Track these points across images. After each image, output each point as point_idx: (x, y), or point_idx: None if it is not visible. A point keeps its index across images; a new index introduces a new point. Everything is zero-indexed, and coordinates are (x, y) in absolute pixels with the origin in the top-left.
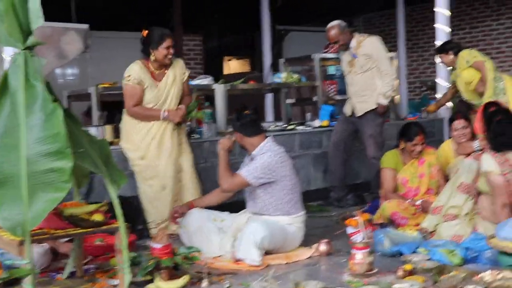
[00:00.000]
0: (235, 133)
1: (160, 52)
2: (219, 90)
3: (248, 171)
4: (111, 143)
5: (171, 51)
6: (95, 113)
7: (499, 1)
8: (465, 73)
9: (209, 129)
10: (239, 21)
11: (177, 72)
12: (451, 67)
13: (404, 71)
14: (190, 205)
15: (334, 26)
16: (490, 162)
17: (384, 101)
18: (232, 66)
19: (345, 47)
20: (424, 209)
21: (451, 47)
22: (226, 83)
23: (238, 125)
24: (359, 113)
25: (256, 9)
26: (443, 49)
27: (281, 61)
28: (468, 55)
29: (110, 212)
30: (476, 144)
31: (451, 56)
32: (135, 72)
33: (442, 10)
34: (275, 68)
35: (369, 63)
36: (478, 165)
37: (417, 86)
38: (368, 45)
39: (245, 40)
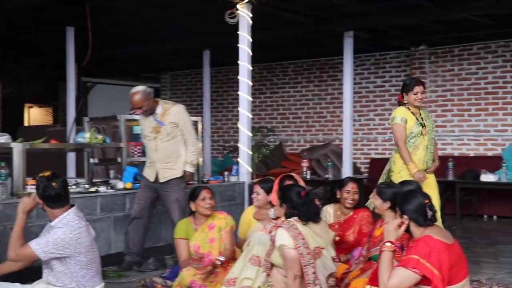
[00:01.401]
0: (37, 196)
1: None
2: (17, 149)
3: (38, 244)
4: None
5: None
6: None
7: (296, 70)
8: None
9: (4, 190)
10: (43, 67)
11: None
12: None
13: (208, 130)
14: None
15: (139, 91)
16: (284, 236)
17: (191, 169)
18: (33, 114)
19: (148, 113)
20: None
21: None
22: (25, 141)
23: (41, 195)
24: (163, 179)
25: (62, 56)
26: None
27: (86, 119)
28: None
29: None
30: (271, 212)
31: None
32: None
33: (245, 79)
34: (78, 122)
35: (175, 130)
36: (269, 238)
37: (220, 145)
38: (174, 113)
39: (48, 88)
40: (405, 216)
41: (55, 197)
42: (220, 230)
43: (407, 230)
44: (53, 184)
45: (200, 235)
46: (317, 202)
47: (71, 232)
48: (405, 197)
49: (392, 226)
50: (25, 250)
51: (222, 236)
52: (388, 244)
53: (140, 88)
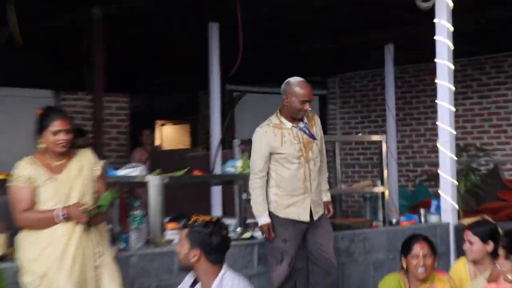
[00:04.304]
0: (190, 243)
1: (48, 138)
2: (154, 184)
3: None
4: (2, 258)
5: (63, 136)
6: None
7: None
8: None
9: (139, 237)
10: (179, 74)
11: (84, 164)
12: None
13: (394, 150)
14: None
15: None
16: None
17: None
18: (167, 133)
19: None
20: None
21: None
22: (163, 173)
23: (203, 242)
24: (316, 216)
25: (202, 60)
26: None
27: (236, 142)
28: None
29: None
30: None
31: None
32: (23, 169)
33: (445, 83)
34: (224, 145)
35: (323, 148)
36: None
37: (410, 170)
38: (318, 122)
39: (185, 100)
40: None
41: (219, 247)
42: None
43: None
44: (224, 233)
45: None
46: None
47: None
48: None
49: None
50: None
51: None
52: None
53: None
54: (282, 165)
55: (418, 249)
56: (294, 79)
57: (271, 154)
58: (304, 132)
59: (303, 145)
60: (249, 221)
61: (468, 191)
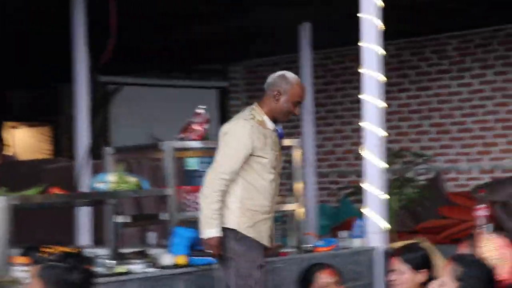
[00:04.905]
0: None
1: None
2: None
3: None
4: None
5: None
6: None
7: (463, 48)
8: None
9: None
10: (37, 66)
11: None
12: None
13: (311, 157)
14: None
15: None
16: None
17: None
18: (20, 138)
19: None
20: None
21: None
22: (11, 191)
23: (59, 280)
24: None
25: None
26: None
27: (108, 150)
28: None
29: None
30: None
31: None
32: None
33: (371, 72)
34: (95, 154)
35: None
36: None
37: (333, 181)
38: None
39: (43, 96)
40: None
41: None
42: None
43: None
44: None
45: None
46: None
47: None
48: None
49: None
50: None
51: None
52: None
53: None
54: (257, 173)
55: (326, 277)
56: (291, 75)
57: (250, 155)
58: (279, 138)
59: (278, 154)
60: (124, 250)
61: (404, 207)
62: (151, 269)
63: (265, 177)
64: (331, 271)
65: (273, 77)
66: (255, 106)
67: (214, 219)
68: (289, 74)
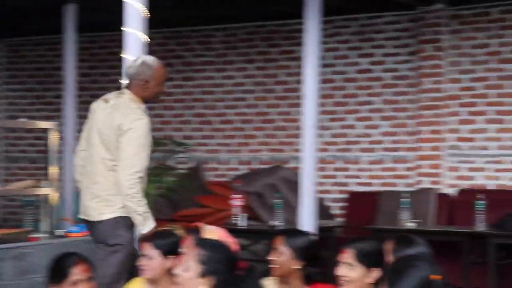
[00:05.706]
0: None
1: None
2: None
3: None
4: None
5: None
6: None
7: (227, 41)
8: None
9: None
10: None
11: None
12: None
13: (71, 141)
14: None
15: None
16: None
17: None
18: None
19: None
20: None
21: None
22: None
23: None
24: None
25: None
26: None
27: None
28: None
29: None
30: None
31: None
32: None
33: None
34: None
35: None
36: None
37: None
38: None
39: None
40: None
41: None
42: None
43: None
44: None
45: None
46: None
47: None
48: None
49: None
50: None
51: None
52: None
53: None
54: None
55: (78, 273)
56: (149, 58)
57: None
58: None
59: None
60: None
61: (162, 196)
62: None
63: None
64: (85, 267)
65: (134, 66)
66: (133, 96)
67: (149, 212)
68: (147, 58)
